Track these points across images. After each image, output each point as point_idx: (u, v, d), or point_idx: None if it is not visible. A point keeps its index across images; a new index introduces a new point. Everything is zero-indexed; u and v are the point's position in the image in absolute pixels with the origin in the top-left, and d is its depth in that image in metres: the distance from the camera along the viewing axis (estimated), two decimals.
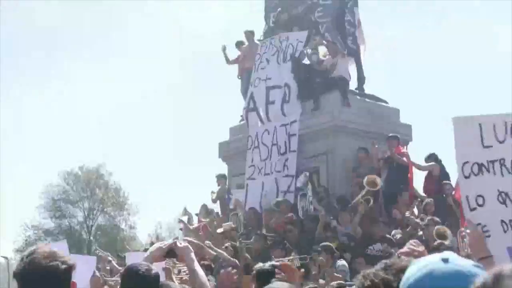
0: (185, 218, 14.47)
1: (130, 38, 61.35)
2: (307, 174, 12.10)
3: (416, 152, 12.62)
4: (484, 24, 61.10)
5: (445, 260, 1.64)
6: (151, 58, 61.89)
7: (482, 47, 59.95)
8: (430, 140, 48.75)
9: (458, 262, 1.64)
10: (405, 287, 1.67)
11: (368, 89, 13.89)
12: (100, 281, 8.00)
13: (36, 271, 2.51)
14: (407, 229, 9.94)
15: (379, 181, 11.01)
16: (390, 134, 11.94)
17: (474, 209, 3.64)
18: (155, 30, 62.15)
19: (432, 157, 11.95)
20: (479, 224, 3.58)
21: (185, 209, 14.62)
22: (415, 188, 11.82)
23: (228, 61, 15.56)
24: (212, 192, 14.89)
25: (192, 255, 3.73)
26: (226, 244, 10.22)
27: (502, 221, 3.58)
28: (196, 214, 14.29)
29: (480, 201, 3.63)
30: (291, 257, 9.14)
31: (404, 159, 11.57)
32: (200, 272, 3.66)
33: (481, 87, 59.33)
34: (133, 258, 8.86)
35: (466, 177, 3.69)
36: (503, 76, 59.35)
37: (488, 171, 3.64)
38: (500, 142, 3.65)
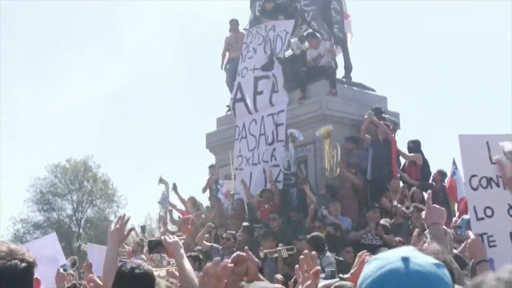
0: (161, 187, 14.65)
1: (117, 29, 60.90)
2: (301, 136, 12.00)
3: (404, 140, 12.61)
4: (474, 10, 61.20)
5: (405, 259, 1.57)
6: (137, 49, 61.48)
7: (472, 33, 60.09)
8: (418, 128, 49.04)
9: (419, 261, 1.58)
10: (362, 286, 1.60)
11: (355, 77, 13.84)
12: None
13: None
14: (394, 218, 9.90)
15: (330, 129, 11.37)
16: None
17: (482, 219, 3.83)
18: (142, 23, 61.67)
19: (416, 143, 12.05)
20: (485, 233, 3.77)
21: (160, 178, 14.72)
22: (404, 174, 11.84)
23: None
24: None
25: (182, 250, 3.72)
26: (226, 235, 10.29)
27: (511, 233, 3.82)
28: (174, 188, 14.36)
29: (489, 212, 3.83)
30: (278, 248, 9.14)
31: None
32: (189, 267, 3.64)
33: (469, 72, 59.53)
34: (92, 251, 8.81)
35: (473, 189, 3.88)
36: (490, 63, 59.63)
37: (497, 185, 3.82)
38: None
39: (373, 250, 9.27)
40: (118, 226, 3.83)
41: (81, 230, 40.46)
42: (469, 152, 3.93)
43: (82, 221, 40.99)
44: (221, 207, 12.72)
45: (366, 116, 11.78)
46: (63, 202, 41.01)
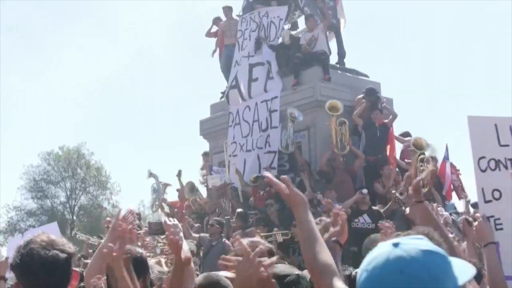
0: (151, 180, 14.65)
1: (111, 15, 60.46)
2: (300, 117, 11.91)
3: (397, 125, 12.63)
4: None
5: (395, 245, 1.61)
6: (130, 35, 61.15)
7: (466, 17, 60.08)
8: (412, 113, 49.07)
9: (407, 247, 1.59)
10: (360, 268, 1.66)
11: (348, 63, 13.84)
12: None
13: (35, 262, 2.41)
14: (388, 204, 9.92)
15: (340, 105, 11.23)
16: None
17: (489, 201, 3.78)
18: (137, 8, 61.31)
19: (405, 135, 12.15)
20: (492, 216, 3.71)
21: (149, 172, 14.73)
22: (398, 160, 11.89)
23: (208, 32, 15.34)
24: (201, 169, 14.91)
25: (181, 234, 3.67)
26: (211, 222, 10.24)
27: None
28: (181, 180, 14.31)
29: (497, 195, 3.78)
30: (273, 233, 9.18)
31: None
32: (187, 251, 3.61)
33: (464, 56, 59.57)
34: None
35: (482, 171, 3.84)
36: (485, 47, 59.64)
37: (506, 167, 3.78)
38: None
39: (366, 234, 9.35)
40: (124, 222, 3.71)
41: (74, 218, 40.40)
42: (478, 133, 3.89)
43: (76, 208, 40.91)
44: (224, 187, 12.56)
45: (363, 99, 11.81)
46: (56, 190, 40.89)
